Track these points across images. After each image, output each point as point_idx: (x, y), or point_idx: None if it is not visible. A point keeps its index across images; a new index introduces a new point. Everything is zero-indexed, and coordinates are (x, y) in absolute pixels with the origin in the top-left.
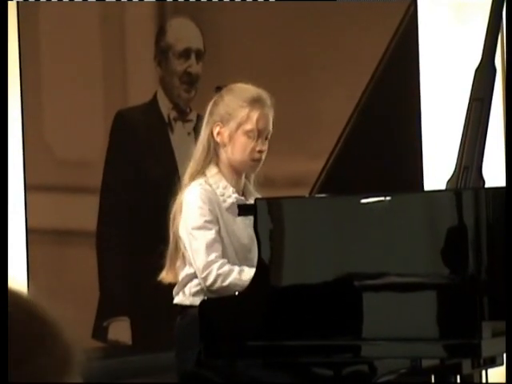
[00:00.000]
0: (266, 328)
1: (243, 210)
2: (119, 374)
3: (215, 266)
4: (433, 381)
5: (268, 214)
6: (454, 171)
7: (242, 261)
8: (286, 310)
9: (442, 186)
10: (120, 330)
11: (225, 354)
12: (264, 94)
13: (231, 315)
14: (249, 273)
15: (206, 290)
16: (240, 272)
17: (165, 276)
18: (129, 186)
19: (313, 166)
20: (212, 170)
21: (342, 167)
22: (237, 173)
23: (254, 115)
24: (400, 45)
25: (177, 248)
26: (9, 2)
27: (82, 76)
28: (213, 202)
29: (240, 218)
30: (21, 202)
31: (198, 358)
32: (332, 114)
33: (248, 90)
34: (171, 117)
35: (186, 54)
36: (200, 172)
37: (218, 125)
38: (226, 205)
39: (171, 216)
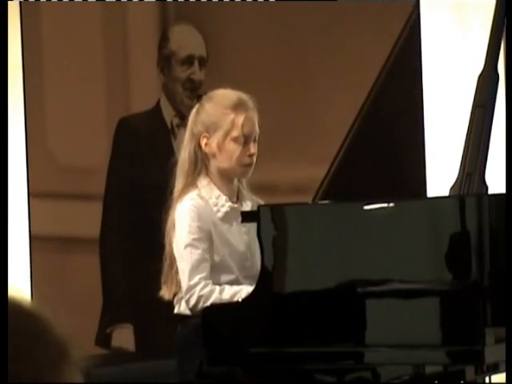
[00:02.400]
0: (269, 335)
1: (246, 216)
2: (122, 381)
3: (197, 289)
4: None
5: (271, 221)
6: (457, 178)
7: (240, 270)
8: (289, 317)
9: (445, 193)
10: (123, 337)
11: (228, 361)
12: (245, 97)
13: (234, 322)
14: (229, 291)
15: (190, 311)
16: (221, 291)
17: (163, 293)
18: (132, 192)
19: (315, 172)
20: (203, 181)
21: (344, 173)
22: (228, 180)
23: (239, 121)
24: (403, 50)
25: (172, 265)
26: (11, 3)
27: (84, 83)
28: (203, 218)
29: (235, 226)
30: (24, 209)
31: (200, 367)
32: (334, 120)
33: (228, 95)
34: (174, 123)
35: (188, 60)
36: (191, 184)
37: (204, 136)
38: (220, 215)
39: (166, 234)
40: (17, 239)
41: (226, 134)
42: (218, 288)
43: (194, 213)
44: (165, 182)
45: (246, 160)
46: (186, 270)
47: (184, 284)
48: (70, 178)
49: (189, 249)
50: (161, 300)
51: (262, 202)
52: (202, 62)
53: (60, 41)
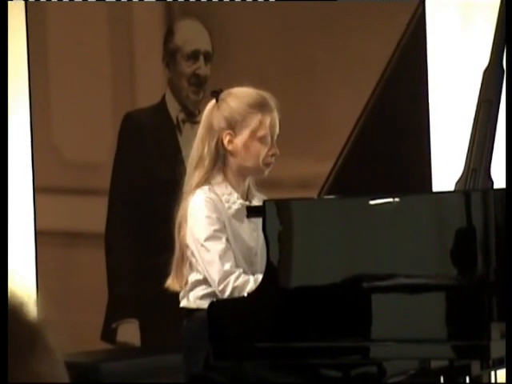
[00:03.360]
0: (275, 329)
1: (252, 211)
2: (128, 376)
3: (232, 278)
4: (442, 382)
5: (277, 216)
6: (463, 172)
7: (248, 265)
8: (295, 312)
9: (451, 188)
10: (129, 332)
11: (233, 356)
12: (268, 97)
13: (240, 317)
14: None
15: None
16: (256, 281)
17: (171, 283)
18: (137, 187)
19: (321, 167)
20: (217, 178)
21: (350, 169)
22: (243, 177)
23: (267, 121)
24: (408, 46)
25: (183, 256)
26: (17, 2)
27: (90, 78)
28: (219, 210)
29: (246, 222)
30: (30, 204)
31: (207, 360)
32: (340, 116)
33: (252, 94)
34: (179, 118)
35: (194, 55)
36: (206, 180)
37: (228, 133)
38: (231, 211)
39: (176, 224)
40: (22, 234)
41: (253, 133)
42: (251, 278)
43: (211, 204)
44: (170, 176)
45: (269, 160)
46: (214, 260)
47: (215, 274)
48: (76, 172)
49: (212, 240)
50: (166, 295)
51: None
52: (208, 57)
53: (65, 36)
